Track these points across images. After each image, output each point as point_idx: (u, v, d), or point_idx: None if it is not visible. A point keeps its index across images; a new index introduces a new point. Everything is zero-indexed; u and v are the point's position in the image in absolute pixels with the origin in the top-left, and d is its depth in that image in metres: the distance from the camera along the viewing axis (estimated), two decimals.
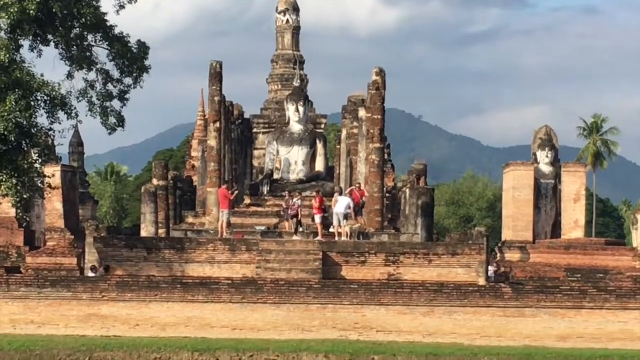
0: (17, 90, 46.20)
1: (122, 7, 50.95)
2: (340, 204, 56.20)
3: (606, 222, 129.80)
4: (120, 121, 51.19)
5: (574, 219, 71.96)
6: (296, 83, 74.57)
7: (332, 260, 51.50)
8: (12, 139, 46.10)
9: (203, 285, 44.77)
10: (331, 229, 56.70)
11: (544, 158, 74.11)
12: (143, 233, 62.25)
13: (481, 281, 50.05)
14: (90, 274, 47.73)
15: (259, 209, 63.86)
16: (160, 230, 62.02)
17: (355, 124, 66.33)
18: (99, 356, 39.35)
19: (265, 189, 67.14)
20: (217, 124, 63.80)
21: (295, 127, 69.35)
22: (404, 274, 50.38)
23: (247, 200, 65.28)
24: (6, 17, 45.98)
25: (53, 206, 69.24)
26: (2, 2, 44.51)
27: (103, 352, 39.73)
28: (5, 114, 44.82)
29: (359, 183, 61.63)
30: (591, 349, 41.14)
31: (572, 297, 44.15)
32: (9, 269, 55.02)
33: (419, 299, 43.88)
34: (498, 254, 66.08)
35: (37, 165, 50.26)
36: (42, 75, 48.27)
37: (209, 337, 41.50)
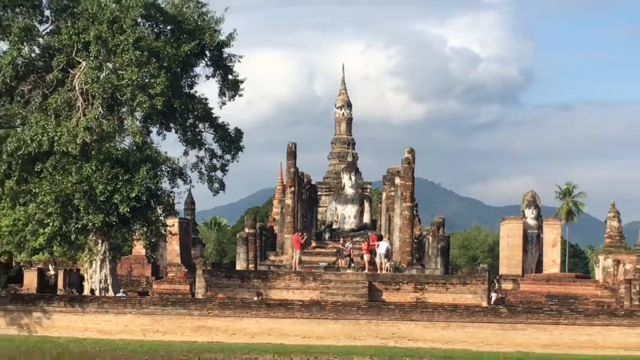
0: (147, 163, 46.50)
1: (224, 104, 51.67)
2: (382, 247, 56.11)
3: (576, 262, 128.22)
4: (222, 186, 51.43)
5: (552, 259, 71.49)
6: (349, 159, 74.75)
7: (375, 288, 51.27)
8: (144, 199, 46.31)
9: (281, 305, 44.58)
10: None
11: (530, 214, 73.63)
12: (238, 267, 62.24)
13: (484, 304, 49.64)
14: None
15: (322, 250, 63.70)
16: (250, 265, 61.89)
17: (392, 188, 66.15)
18: (206, 357, 39.24)
19: (326, 236, 67.17)
20: (292, 188, 63.88)
21: (349, 191, 69.46)
22: (428, 298, 50.08)
23: (313, 244, 65.13)
24: (141, 111, 46.35)
25: (173, 248, 69.41)
26: (137, 100, 44.74)
27: (209, 354, 39.70)
28: (140, 181, 45.06)
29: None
30: (566, 354, 40.82)
31: (551, 316, 43.68)
32: (140, 293, 55.09)
33: (439, 316, 43.49)
34: (497, 284, 65.51)
35: (161, 218, 50.49)
36: (165, 152, 48.90)
37: (286, 343, 41.35)
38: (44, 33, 49.04)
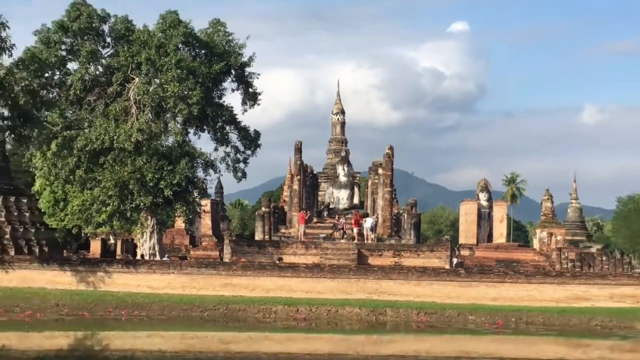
0: (186, 157, 46.55)
1: (245, 111, 51.59)
2: (368, 222, 56.43)
3: (518, 234, 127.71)
4: (244, 175, 51.40)
5: (500, 232, 71.54)
6: (343, 154, 74.62)
7: (363, 254, 51.47)
8: (184, 185, 46.42)
9: (290, 267, 44.63)
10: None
11: (483, 197, 73.57)
12: (256, 237, 62.30)
13: (447, 266, 49.81)
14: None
15: (322, 224, 63.64)
16: (266, 236, 61.94)
17: (376, 177, 66.10)
18: (232, 307, 39.40)
19: (325, 213, 67.15)
20: (298, 177, 63.92)
21: (342, 179, 69.33)
22: (404, 261, 50.26)
23: (315, 220, 65.08)
24: (181, 116, 46.43)
25: (206, 222, 69.54)
26: (178, 108, 44.81)
27: (234, 304, 39.79)
28: (180, 170, 45.21)
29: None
30: (510, 305, 40.86)
31: (499, 276, 43.76)
32: (181, 257, 55.22)
33: (412, 276, 43.51)
34: (457, 251, 65.57)
35: (197, 200, 50.48)
36: (200, 148, 48.85)
37: (294, 297, 41.33)
38: (106, 55, 49.15)
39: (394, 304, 40.57)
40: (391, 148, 62.08)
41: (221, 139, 50.66)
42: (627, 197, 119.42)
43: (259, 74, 51.22)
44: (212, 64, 48.18)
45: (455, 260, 55.92)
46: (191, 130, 50.12)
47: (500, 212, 74.08)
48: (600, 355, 29.75)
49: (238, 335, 33.20)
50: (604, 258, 66.98)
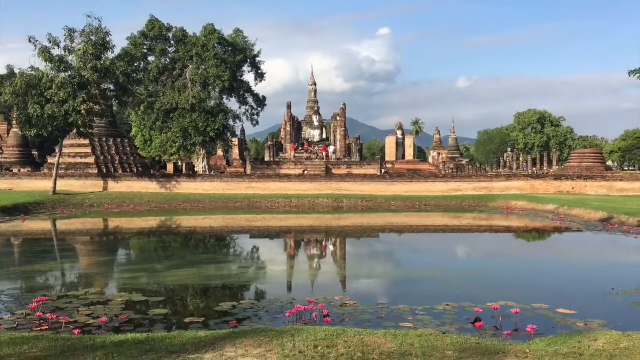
0: (222, 113, 46.02)
1: (256, 84, 50.67)
2: (331, 149, 56.28)
3: (419, 154, 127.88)
4: (257, 123, 50.98)
5: (409, 153, 71.87)
6: (315, 109, 73.56)
7: (329, 167, 51.48)
8: (221, 129, 46.01)
9: (286, 176, 44.57)
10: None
11: (399, 133, 73.81)
12: (266, 159, 62.01)
13: (379, 173, 49.94)
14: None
15: (304, 151, 63.52)
16: (271, 158, 61.73)
17: (335, 122, 65.66)
18: (252, 200, 39.24)
19: (306, 144, 66.77)
20: (290, 123, 63.28)
21: (316, 123, 68.39)
22: (353, 171, 50.35)
23: (299, 149, 64.92)
24: (218, 88, 45.72)
25: (235, 151, 68.92)
26: (216, 83, 44.04)
27: (253, 199, 39.67)
28: (219, 121, 44.72)
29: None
30: (416, 195, 41.08)
31: (409, 178, 44.00)
32: (221, 172, 55.03)
33: (358, 179, 43.63)
34: (384, 165, 65.87)
35: (230, 138, 50.06)
36: (230, 107, 48.12)
37: (288, 193, 41.25)
38: (171, 52, 48.08)
39: (348, 196, 40.67)
40: (344, 105, 61.68)
41: (243, 102, 50.04)
42: (483, 131, 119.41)
43: (264, 62, 50.41)
44: (235, 56, 47.33)
45: (383, 170, 56.16)
46: (224, 97, 49.47)
47: (409, 142, 74.33)
48: (467, 222, 30.21)
49: (256, 216, 33.27)
50: (470, 167, 67.70)
